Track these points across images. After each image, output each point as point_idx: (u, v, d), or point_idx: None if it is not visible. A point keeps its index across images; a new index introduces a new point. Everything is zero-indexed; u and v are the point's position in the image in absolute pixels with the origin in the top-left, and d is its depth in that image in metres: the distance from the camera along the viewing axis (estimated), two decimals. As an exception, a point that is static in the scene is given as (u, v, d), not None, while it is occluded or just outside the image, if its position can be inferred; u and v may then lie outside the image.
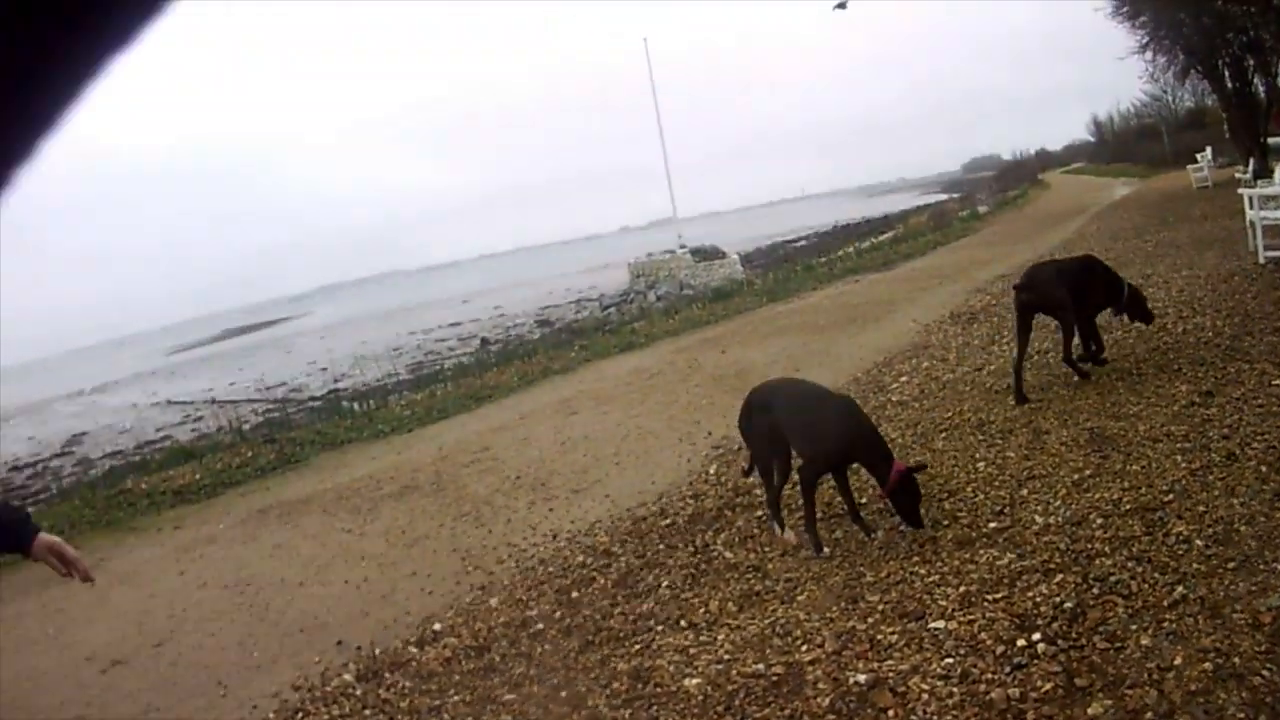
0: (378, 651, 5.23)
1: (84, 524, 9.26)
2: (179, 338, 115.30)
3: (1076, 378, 7.65)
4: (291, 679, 5.09)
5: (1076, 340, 7.67)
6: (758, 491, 6.19)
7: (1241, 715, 3.08)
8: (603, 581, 5.55)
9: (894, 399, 8.46)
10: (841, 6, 23.28)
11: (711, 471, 7.29)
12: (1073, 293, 7.64)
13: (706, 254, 37.08)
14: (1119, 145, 70.78)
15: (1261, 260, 11.14)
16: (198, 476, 10.58)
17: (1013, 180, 72.36)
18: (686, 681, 4.13)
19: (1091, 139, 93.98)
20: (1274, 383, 6.41)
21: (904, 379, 9.15)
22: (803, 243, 61.00)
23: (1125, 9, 28.91)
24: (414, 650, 5.15)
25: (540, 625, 5.13)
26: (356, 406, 14.79)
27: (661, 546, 5.90)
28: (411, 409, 13.06)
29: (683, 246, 37.70)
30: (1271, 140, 28.05)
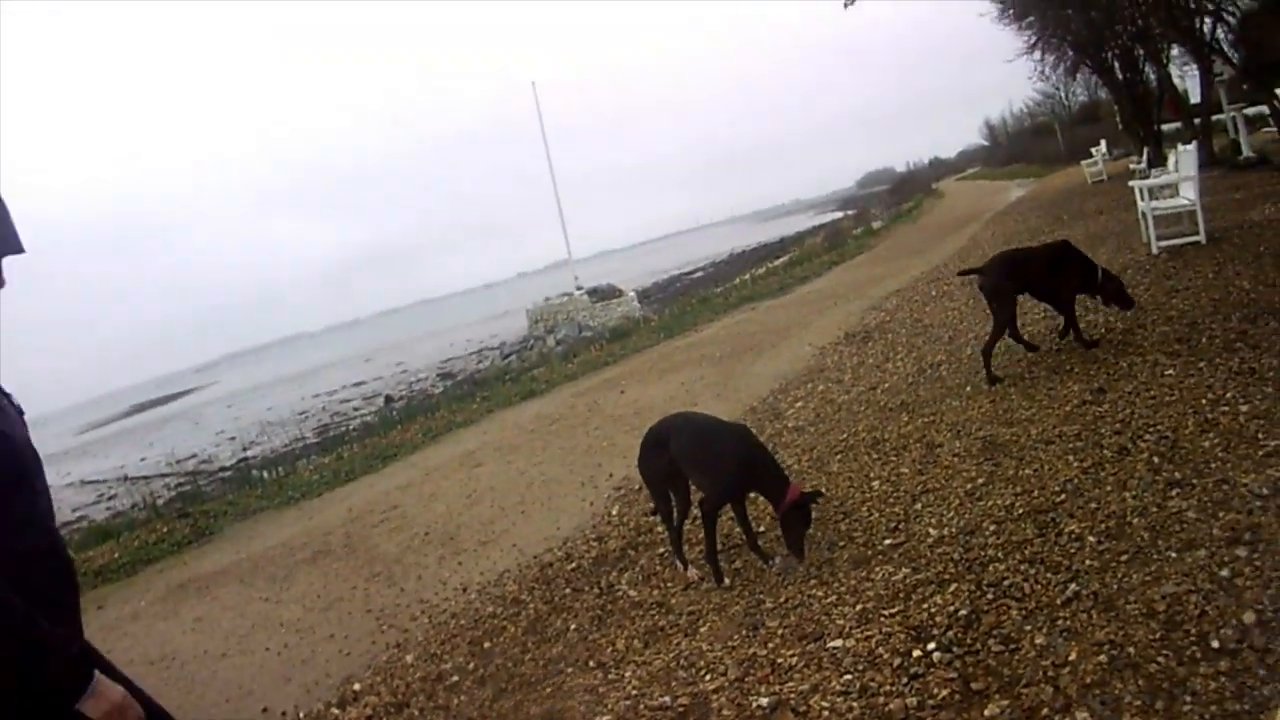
0: (301, 715, 5.34)
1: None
2: (87, 416, 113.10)
3: (986, 381, 7.72)
4: (219, 750, 5.14)
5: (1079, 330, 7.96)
6: (659, 529, 6.25)
7: (1139, 703, 3.18)
8: (513, 630, 5.65)
9: (790, 425, 8.45)
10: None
11: (614, 513, 7.35)
12: (1048, 279, 7.85)
13: (603, 294, 36.94)
14: (1013, 146, 72.23)
15: (1155, 251, 11.39)
16: (116, 555, 10.48)
17: (907, 192, 72.49)
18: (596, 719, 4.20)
19: (985, 142, 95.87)
20: (1166, 373, 6.55)
21: (799, 404, 9.16)
22: (699, 274, 61.48)
23: (1011, 11, 29.55)
24: (336, 712, 5.25)
25: (455, 677, 5.23)
26: (266, 474, 14.73)
27: (568, 590, 5.98)
28: (320, 473, 13.04)
29: (579, 288, 37.38)
30: (1166, 128, 28.57)
